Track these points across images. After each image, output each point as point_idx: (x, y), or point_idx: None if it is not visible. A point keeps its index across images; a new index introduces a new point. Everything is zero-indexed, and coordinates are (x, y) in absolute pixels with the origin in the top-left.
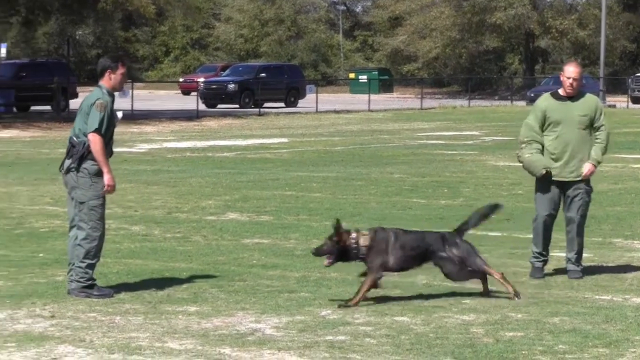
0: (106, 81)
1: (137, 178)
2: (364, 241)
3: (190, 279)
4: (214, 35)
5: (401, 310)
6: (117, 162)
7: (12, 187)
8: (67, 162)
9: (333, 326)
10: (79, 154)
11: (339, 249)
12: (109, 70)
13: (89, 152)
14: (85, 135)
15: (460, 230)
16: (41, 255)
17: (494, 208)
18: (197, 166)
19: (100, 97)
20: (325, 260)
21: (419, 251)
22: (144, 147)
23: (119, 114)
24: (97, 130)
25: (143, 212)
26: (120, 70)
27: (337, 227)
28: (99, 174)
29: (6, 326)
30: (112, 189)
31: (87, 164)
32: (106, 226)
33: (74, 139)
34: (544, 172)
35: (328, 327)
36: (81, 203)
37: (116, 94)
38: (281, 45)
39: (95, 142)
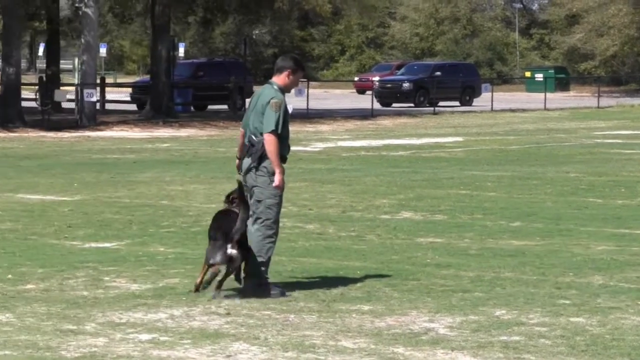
0: (282, 79)
1: (312, 177)
2: None
3: (364, 277)
4: (390, 34)
5: (577, 311)
6: (292, 161)
7: (189, 185)
8: (247, 162)
9: (507, 326)
10: (258, 153)
11: None
12: (289, 71)
13: None
14: (262, 134)
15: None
16: None
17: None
18: (371, 165)
19: (275, 96)
20: None
21: None
22: (319, 145)
23: (290, 109)
24: (273, 131)
25: (318, 211)
26: (299, 75)
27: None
28: None
29: (182, 323)
30: (280, 190)
31: (266, 163)
32: (281, 224)
33: (253, 137)
34: None
35: (502, 327)
36: (259, 201)
37: (292, 92)
38: (456, 43)
39: (270, 142)
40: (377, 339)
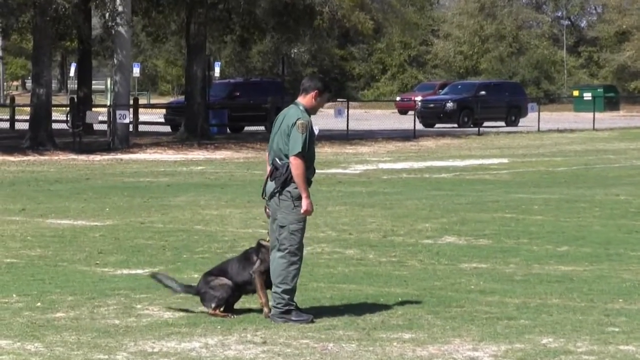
0: (308, 100)
1: (351, 200)
2: None
3: (406, 304)
4: (433, 52)
5: (626, 339)
6: (331, 184)
7: (224, 210)
8: (270, 186)
9: (554, 355)
10: (282, 178)
11: None
12: (316, 92)
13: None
14: (287, 156)
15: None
16: None
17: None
18: (413, 187)
19: (301, 117)
20: None
21: None
22: (359, 168)
23: (316, 130)
24: (299, 154)
25: (357, 236)
26: (325, 97)
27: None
28: (301, 197)
29: (217, 352)
30: (309, 214)
31: (290, 187)
32: (319, 250)
33: (277, 160)
34: None
35: (549, 356)
36: (282, 227)
37: (332, 113)
38: (502, 62)
39: (297, 165)
40: None
